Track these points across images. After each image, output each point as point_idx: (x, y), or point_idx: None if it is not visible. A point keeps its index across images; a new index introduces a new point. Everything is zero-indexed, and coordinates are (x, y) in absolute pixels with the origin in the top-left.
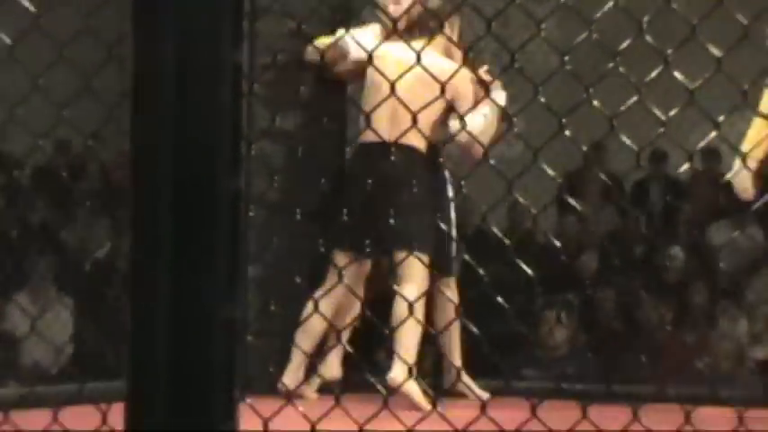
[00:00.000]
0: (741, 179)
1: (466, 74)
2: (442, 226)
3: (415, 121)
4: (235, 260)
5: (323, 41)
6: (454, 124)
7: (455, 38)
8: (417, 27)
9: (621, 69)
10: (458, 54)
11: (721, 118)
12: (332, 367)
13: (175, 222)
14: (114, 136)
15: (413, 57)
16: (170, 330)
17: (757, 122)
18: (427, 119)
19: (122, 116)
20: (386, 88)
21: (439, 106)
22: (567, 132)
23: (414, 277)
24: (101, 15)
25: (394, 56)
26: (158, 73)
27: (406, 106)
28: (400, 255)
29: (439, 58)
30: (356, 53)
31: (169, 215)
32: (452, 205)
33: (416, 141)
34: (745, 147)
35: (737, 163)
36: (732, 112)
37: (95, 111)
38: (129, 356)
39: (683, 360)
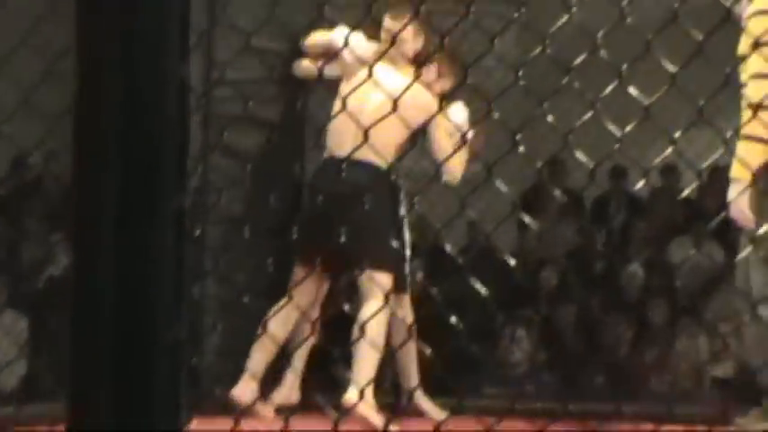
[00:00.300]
0: (739, 205)
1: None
2: (396, 244)
3: (366, 137)
4: (180, 279)
5: (319, 34)
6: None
7: (448, 76)
8: (413, 57)
9: (577, 85)
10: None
11: (677, 134)
12: (287, 392)
13: (118, 240)
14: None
15: (390, 79)
16: (112, 352)
17: (743, 145)
18: (393, 139)
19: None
20: (354, 105)
21: (406, 128)
22: (522, 148)
23: (374, 295)
24: (43, 29)
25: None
26: (101, 87)
27: (365, 126)
28: (360, 272)
29: (415, 84)
30: (341, 45)
31: (112, 233)
32: (405, 223)
33: (379, 159)
34: (734, 171)
35: (733, 189)
36: (688, 129)
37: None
38: (70, 378)
39: (642, 377)
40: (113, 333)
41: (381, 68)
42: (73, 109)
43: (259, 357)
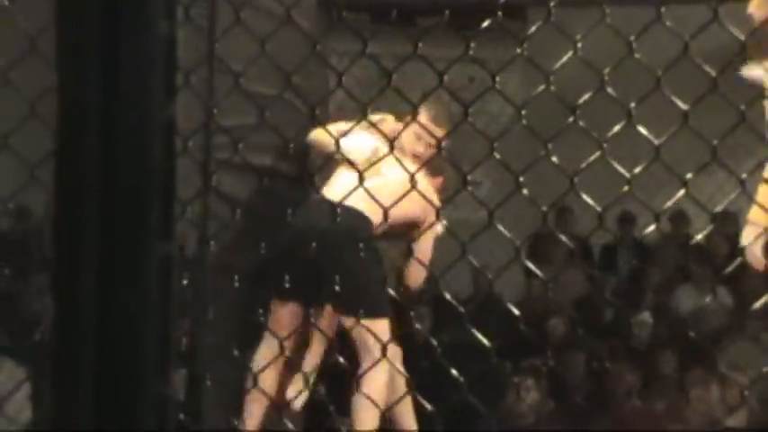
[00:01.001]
0: (753, 249)
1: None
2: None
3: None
4: (165, 332)
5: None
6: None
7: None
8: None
9: (582, 124)
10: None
11: (689, 176)
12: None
13: (100, 291)
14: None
15: (398, 173)
16: (95, 409)
17: (763, 188)
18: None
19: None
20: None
21: (403, 213)
22: (525, 191)
23: (371, 346)
24: (23, 67)
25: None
26: (82, 130)
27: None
28: (354, 322)
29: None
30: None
31: (94, 282)
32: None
33: (375, 216)
34: (752, 214)
35: (747, 231)
36: (701, 170)
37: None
38: None
39: (653, 427)
40: (95, 388)
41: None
42: (54, 152)
43: (254, 412)
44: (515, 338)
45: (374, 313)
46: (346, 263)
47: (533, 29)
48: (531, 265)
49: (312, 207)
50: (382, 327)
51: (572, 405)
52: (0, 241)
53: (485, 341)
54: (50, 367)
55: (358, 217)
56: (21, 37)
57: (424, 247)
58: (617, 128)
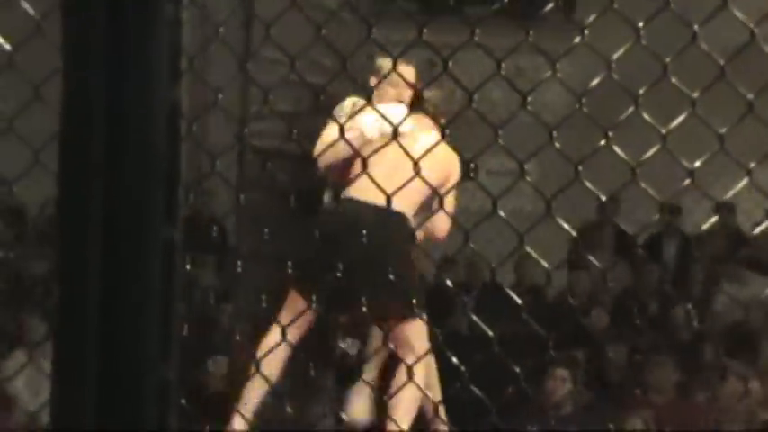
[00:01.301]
0: None
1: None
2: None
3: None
4: (168, 316)
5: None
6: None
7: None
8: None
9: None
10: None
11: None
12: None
13: (104, 275)
14: None
15: (417, 135)
16: (97, 393)
17: None
18: (418, 192)
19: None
20: (387, 155)
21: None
22: (529, 178)
23: (411, 341)
24: (27, 49)
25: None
26: (87, 113)
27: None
28: (392, 325)
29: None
30: (369, 133)
31: (98, 268)
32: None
33: (406, 208)
34: None
35: None
36: (709, 159)
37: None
38: (52, 420)
39: (692, 419)
40: (98, 373)
41: (406, 124)
42: (57, 135)
43: (252, 398)
44: (556, 329)
45: (412, 314)
46: (386, 265)
47: (543, 10)
48: (534, 254)
49: (350, 208)
50: (419, 328)
51: (609, 396)
52: (42, 234)
53: (487, 331)
54: (54, 351)
55: (397, 219)
56: (25, 22)
57: (448, 201)
58: (622, 117)
